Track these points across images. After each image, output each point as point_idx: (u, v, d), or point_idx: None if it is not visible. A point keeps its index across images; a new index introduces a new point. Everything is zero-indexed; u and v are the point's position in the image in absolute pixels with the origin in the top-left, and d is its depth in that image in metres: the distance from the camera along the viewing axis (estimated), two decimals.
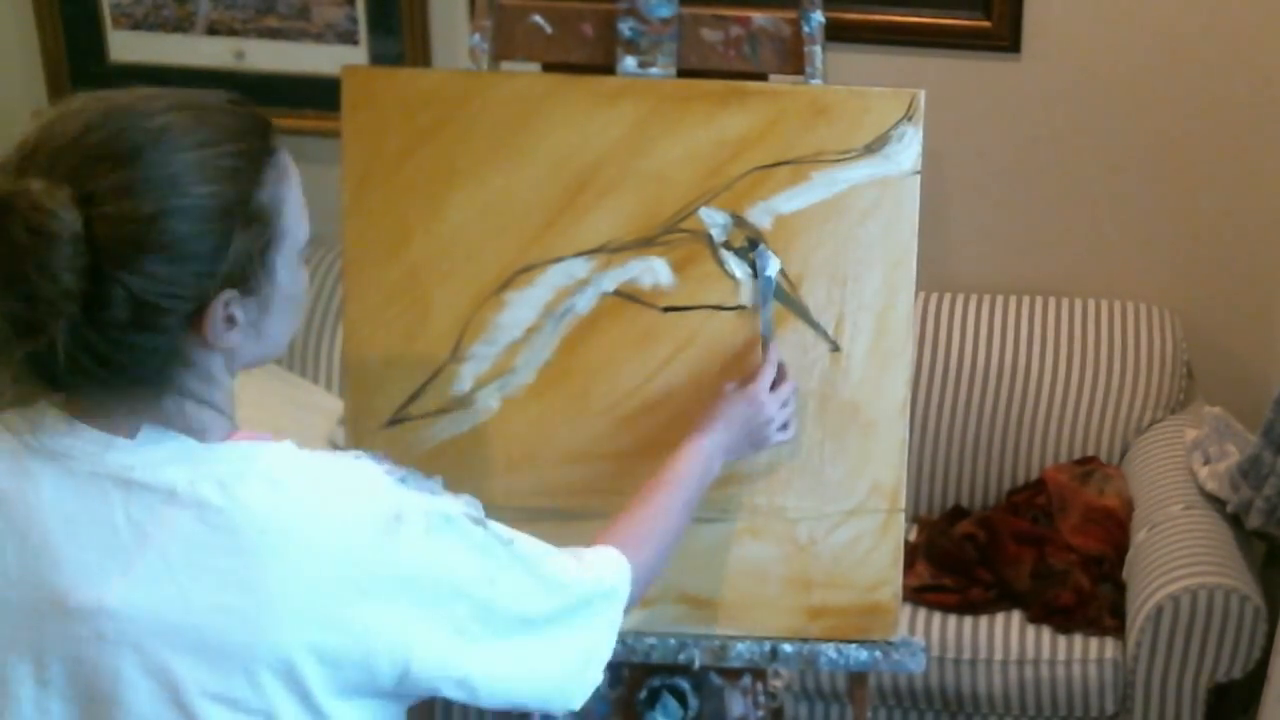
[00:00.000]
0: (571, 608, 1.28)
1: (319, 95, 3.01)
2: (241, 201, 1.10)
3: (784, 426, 1.73)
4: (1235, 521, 2.59)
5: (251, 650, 1.09)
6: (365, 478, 1.16)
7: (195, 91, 1.13)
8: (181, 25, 3.11)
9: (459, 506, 1.20)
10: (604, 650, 1.32)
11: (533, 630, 1.24)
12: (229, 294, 1.11)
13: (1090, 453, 2.87)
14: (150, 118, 1.08)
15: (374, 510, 1.14)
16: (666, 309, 1.79)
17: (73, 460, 1.11)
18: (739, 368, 1.76)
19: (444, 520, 1.17)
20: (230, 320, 1.12)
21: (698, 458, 1.61)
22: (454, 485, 1.81)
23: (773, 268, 1.72)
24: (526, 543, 1.25)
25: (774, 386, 1.72)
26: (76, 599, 1.09)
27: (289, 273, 1.16)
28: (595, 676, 1.31)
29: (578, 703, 1.29)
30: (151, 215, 1.05)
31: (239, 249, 1.10)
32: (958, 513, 2.88)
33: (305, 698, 1.11)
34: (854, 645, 1.82)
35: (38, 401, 1.13)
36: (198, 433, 1.14)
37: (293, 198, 1.16)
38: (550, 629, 1.26)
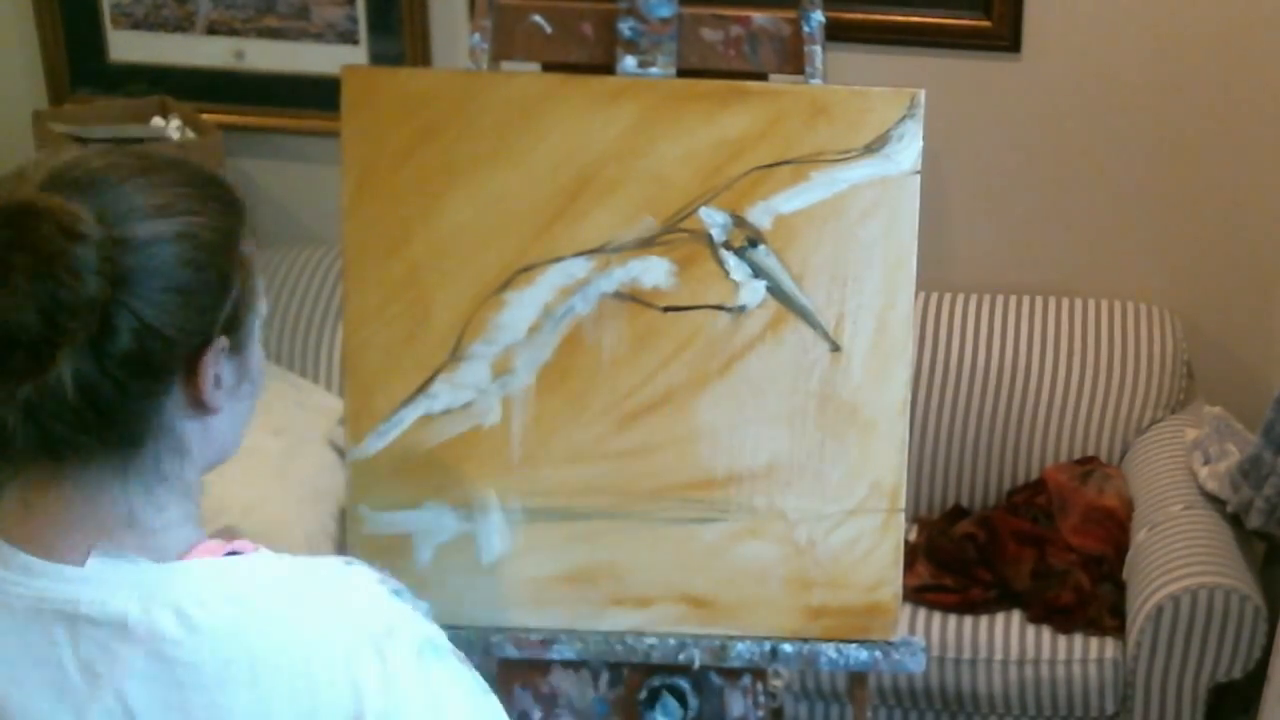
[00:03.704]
0: None
1: (319, 95, 3.01)
2: (231, 244, 1.04)
3: None
4: (1235, 521, 2.58)
5: None
6: (353, 589, 1.05)
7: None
8: (181, 25, 3.11)
9: (445, 639, 1.09)
10: None
11: None
12: (223, 341, 1.03)
13: (1090, 453, 2.87)
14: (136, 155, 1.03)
15: (361, 625, 1.02)
16: (666, 309, 1.79)
17: (10, 596, 0.99)
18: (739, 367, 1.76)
19: (434, 648, 1.05)
20: (217, 380, 1.04)
21: None
22: (454, 485, 1.83)
23: None
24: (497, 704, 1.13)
25: None
26: None
27: (257, 346, 1.09)
28: None
29: None
30: (167, 236, 0.99)
31: (235, 290, 1.03)
32: (958, 513, 2.88)
33: None
34: (854, 645, 1.82)
35: None
36: (158, 547, 1.02)
37: (259, 265, 1.09)
38: None
